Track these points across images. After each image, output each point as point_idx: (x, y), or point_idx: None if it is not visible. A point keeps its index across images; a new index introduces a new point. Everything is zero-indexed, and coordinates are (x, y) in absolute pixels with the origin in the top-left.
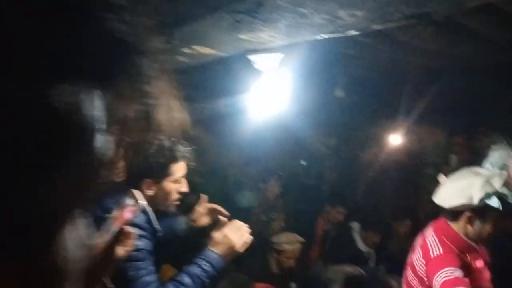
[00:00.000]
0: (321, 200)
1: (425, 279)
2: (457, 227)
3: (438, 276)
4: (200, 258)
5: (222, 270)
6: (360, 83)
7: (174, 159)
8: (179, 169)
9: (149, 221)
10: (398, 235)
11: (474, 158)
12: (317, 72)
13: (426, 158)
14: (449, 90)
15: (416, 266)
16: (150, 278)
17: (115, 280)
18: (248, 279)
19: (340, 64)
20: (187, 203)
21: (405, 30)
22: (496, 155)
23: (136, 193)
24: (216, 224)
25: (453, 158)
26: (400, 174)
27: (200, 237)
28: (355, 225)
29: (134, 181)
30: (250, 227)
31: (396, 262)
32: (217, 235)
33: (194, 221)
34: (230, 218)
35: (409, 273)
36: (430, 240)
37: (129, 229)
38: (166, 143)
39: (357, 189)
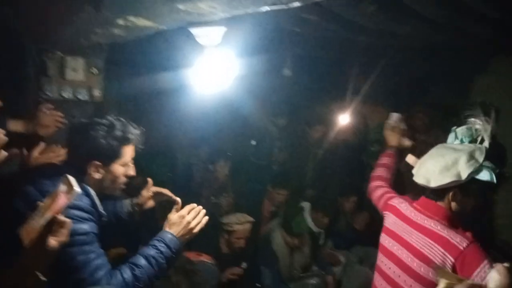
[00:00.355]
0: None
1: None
2: (444, 205)
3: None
4: (156, 239)
5: (178, 251)
6: (307, 62)
7: (126, 142)
8: (129, 152)
9: (93, 204)
10: (344, 211)
11: (413, 135)
12: (263, 49)
13: (371, 136)
14: (392, 70)
15: (424, 252)
16: (101, 261)
17: (64, 266)
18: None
19: (286, 42)
20: (132, 186)
21: (348, 7)
22: (463, 131)
23: (71, 179)
24: (168, 206)
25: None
26: (346, 152)
27: (147, 221)
28: (306, 205)
29: (81, 163)
30: None
31: (343, 238)
32: (173, 216)
33: (139, 204)
34: (177, 202)
35: (411, 260)
36: (432, 226)
37: (62, 217)
38: (117, 124)
39: (306, 169)
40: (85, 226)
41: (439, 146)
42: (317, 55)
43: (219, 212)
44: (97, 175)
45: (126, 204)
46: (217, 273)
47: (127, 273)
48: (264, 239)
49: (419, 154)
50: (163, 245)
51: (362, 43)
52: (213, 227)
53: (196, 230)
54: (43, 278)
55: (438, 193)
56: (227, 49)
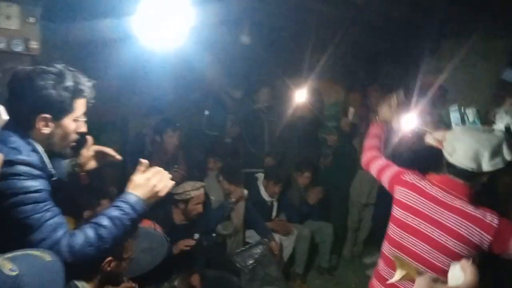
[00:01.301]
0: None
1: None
2: (470, 185)
3: None
4: (121, 200)
5: (143, 213)
6: (265, 31)
7: (78, 94)
8: (81, 105)
9: (42, 161)
10: (298, 185)
11: (368, 113)
12: (219, 8)
13: (326, 113)
14: (348, 46)
15: (461, 232)
16: (58, 219)
17: (19, 227)
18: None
19: (245, 7)
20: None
21: None
22: (474, 113)
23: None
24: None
25: (351, 111)
26: (303, 127)
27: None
28: (260, 176)
29: (27, 116)
30: None
31: (296, 211)
32: (138, 177)
33: (80, 165)
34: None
35: (446, 239)
36: (463, 206)
37: None
38: (68, 73)
39: (259, 142)
40: (36, 183)
41: (468, 129)
42: (276, 25)
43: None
44: (45, 130)
45: (65, 164)
46: (166, 242)
47: (90, 232)
48: None
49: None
50: (127, 206)
51: (320, 13)
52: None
53: (162, 193)
54: None
55: (470, 174)
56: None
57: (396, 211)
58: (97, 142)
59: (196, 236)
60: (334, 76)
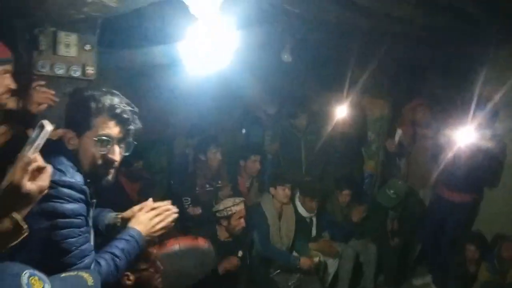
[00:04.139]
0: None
1: None
2: None
3: None
4: (127, 234)
5: (143, 249)
6: (307, 47)
7: (100, 111)
8: (105, 126)
9: (85, 183)
10: (339, 204)
11: (415, 130)
12: (261, 31)
13: (370, 129)
14: (391, 59)
15: None
16: (90, 246)
17: (53, 248)
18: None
19: (286, 23)
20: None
21: None
22: None
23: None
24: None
25: (398, 132)
26: (343, 144)
27: None
28: (296, 191)
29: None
30: (198, 199)
31: (338, 230)
32: (142, 216)
33: (123, 219)
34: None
35: None
36: None
37: (41, 162)
38: (98, 94)
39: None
40: (75, 207)
41: None
42: (317, 39)
43: (215, 200)
44: (70, 146)
45: (110, 217)
46: (213, 254)
47: (110, 262)
48: (255, 205)
49: (420, 148)
50: (133, 240)
51: (363, 28)
52: (209, 216)
53: (157, 233)
54: (22, 223)
55: None
56: (222, 24)
57: None
58: (146, 161)
59: (240, 253)
60: (378, 91)
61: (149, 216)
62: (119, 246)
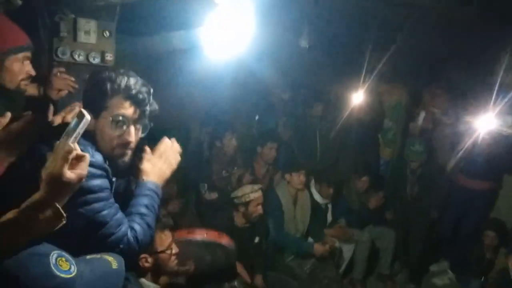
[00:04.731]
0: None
1: None
2: None
3: None
4: (143, 189)
5: (161, 195)
6: (324, 34)
7: (116, 91)
8: (121, 106)
9: (106, 161)
10: (356, 190)
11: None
12: (280, 15)
13: (387, 116)
14: (409, 46)
15: None
16: (121, 214)
17: (90, 224)
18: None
19: (304, 9)
20: None
21: None
22: None
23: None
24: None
25: (421, 115)
26: (360, 131)
27: None
28: (311, 178)
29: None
30: (214, 185)
31: (355, 216)
32: (145, 166)
33: None
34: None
35: None
36: None
37: (79, 150)
38: (115, 74)
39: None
40: (100, 182)
41: None
42: (335, 27)
43: (231, 186)
44: (89, 127)
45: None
46: (234, 254)
47: (141, 222)
48: (270, 191)
49: (439, 134)
50: (152, 192)
51: (382, 15)
52: (225, 203)
53: (168, 174)
54: (62, 211)
55: None
56: (241, 9)
57: None
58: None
59: (257, 239)
60: (396, 78)
61: (153, 163)
62: (141, 203)
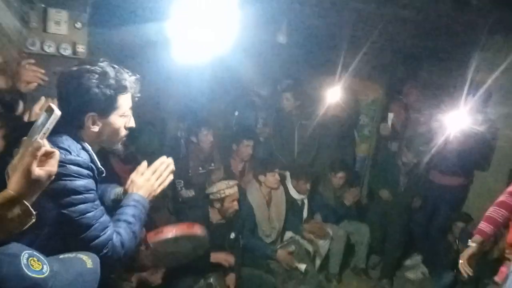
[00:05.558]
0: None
1: None
2: None
3: None
4: (131, 200)
5: (147, 210)
6: (302, 29)
7: (121, 90)
8: (126, 101)
9: (92, 160)
10: (333, 186)
11: (408, 115)
12: (258, 10)
13: (363, 113)
14: (385, 44)
15: None
16: (107, 217)
17: (74, 226)
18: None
19: (282, 3)
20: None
21: None
22: None
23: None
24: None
25: (390, 116)
26: (336, 127)
27: None
28: (287, 174)
29: (76, 116)
30: (190, 182)
31: (331, 212)
32: (138, 179)
33: (125, 191)
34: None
35: None
36: None
37: (48, 147)
38: (110, 71)
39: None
40: (85, 183)
41: None
42: (312, 22)
43: (208, 183)
44: (94, 128)
45: (115, 192)
46: (207, 240)
47: (127, 229)
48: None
49: (413, 132)
50: (139, 205)
51: (359, 11)
52: (201, 199)
53: (158, 191)
54: (31, 209)
55: None
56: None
57: None
58: (137, 143)
59: (233, 235)
60: (371, 74)
61: (146, 178)
62: (128, 212)
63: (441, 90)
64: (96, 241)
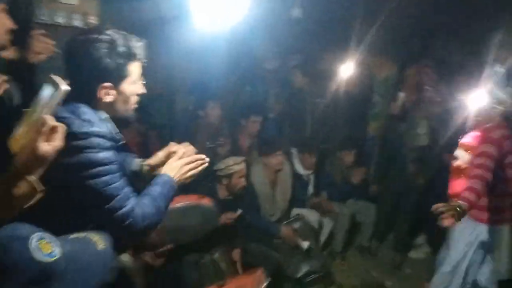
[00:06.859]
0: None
1: None
2: None
3: None
4: (161, 179)
5: (174, 194)
6: (317, 4)
7: (131, 57)
8: (136, 69)
9: (110, 130)
10: (342, 164)
11: (419, 95)
12: None
13: (376, 90)
14: (400, 20)
15: None
16: (129, 189)
17: (97, 197)
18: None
19: None
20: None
21: None
22: None
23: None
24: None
25: (401, 96)
26: (348, 104)
27: None
28: (294, 150)
29: (88, 87)
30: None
31: (337, 190)
32: (175, 162)
33: (150, 166)
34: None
35: None
36: None
37: (53, 121)
38: (119, 38)
39: (304, 118)
40: (109, 154)
41: None
42: None
43: (216, 158)
44: (108, 98)
45: (135, 163)
46: (216, 213)
47: (150, 205)
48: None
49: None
50: (168, 185)
51: None
52: (209, 174)
53: (188, 180)
54: (37, 185)
55: None
56: None
57: None
58: (145, 113)
59: (239, 211)
60: (385, 49)
61: (182, 163)
62: (156, 190)
63: (459, 69)
64: (121, 211)
